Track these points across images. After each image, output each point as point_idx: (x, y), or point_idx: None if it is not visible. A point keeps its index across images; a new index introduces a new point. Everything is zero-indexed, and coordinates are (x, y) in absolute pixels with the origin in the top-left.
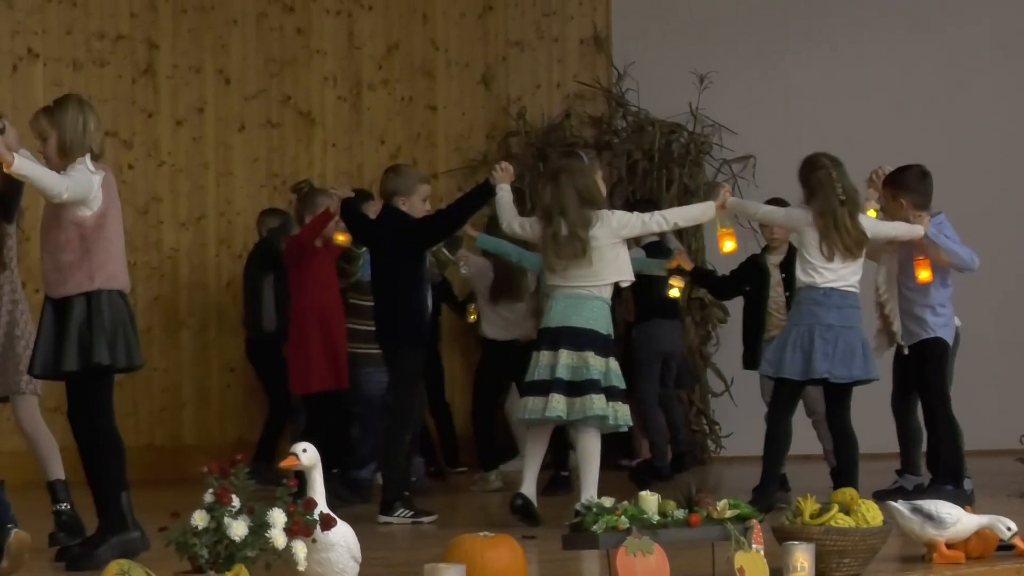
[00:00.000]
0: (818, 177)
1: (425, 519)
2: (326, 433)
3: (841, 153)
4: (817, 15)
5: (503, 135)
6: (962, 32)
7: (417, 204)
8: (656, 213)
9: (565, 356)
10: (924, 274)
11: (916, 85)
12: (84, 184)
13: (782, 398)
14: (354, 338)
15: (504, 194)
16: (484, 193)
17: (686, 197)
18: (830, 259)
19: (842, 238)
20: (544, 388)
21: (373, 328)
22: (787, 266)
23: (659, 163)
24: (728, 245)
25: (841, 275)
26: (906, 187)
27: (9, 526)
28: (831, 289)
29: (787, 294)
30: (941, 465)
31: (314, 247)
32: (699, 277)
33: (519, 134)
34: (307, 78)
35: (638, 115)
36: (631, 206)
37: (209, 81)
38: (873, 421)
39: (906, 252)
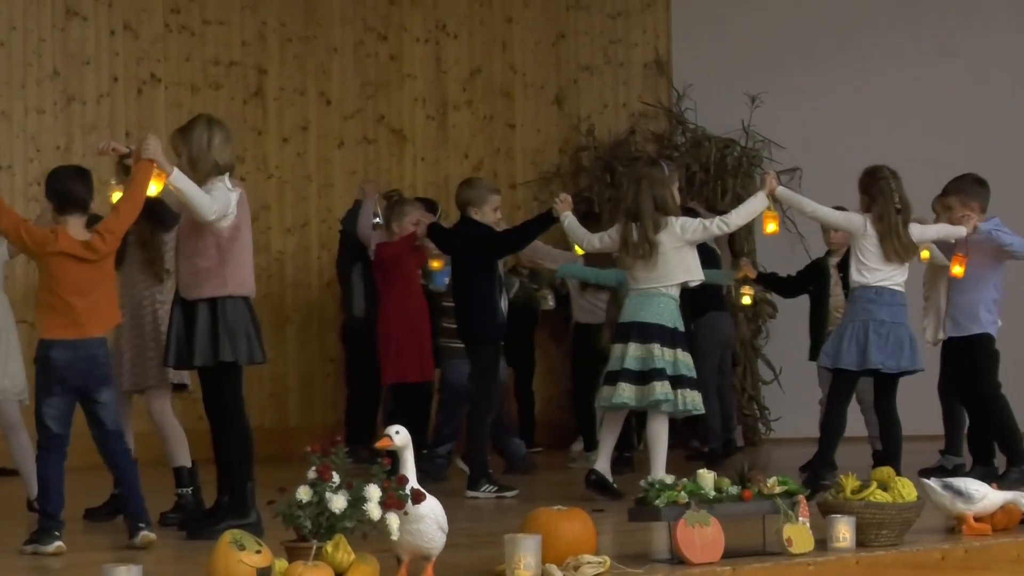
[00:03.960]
0: (880, 186)
1: (507, 494)
2: (410, 418)
3: (874, 164)
4: (857, 41)
5: (574, 150)
6: (988, 56)
7: (488, 213)
8: (717, 218)
9: (633, 348)
10: (957, 269)
11: (946, 104)
12: (224, 203)
13: (839, 389)
14: (443, 334)
15: (570, 220)
16: (546, 220)
17: (738, 205)
18: (887, 262)
19: (895, 244)
20: (614, 378)
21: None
22: (844, 267)
23: (715, 175)
24: (771, 227)
25: (890, 275)
26: (973, 194)
27: (141, 525)
28: (882, 288)
29: (845, 292)
30: (1009, 453)
31: (398, 257)
32: (766, 281)
33: (588, 149)
34: (399, 99)
35: (695, 131)
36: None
37: (312, 102)
38: (919, 405)
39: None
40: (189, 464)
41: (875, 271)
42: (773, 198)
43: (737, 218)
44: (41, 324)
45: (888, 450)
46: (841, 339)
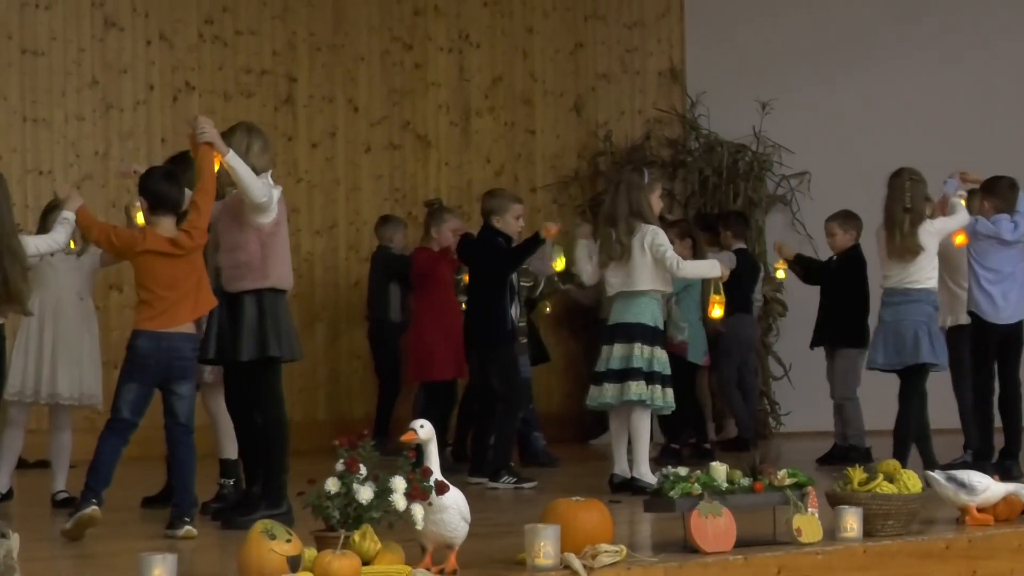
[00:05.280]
0: (893, 185)
1: (526, 485)
2: (439, 414)
3: (881, 169)
4: (864, 50)
5: (592, 155)
6: (992, 65)
7: (510, 221)
8: (676, 258)
9: (618, 348)
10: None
11: (950, 111)
12: (270, 192)
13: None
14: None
15: (583, 249)
16: (534, 243)
17: (750, 208)
18: (889, 258)
19: (895, 240)
20: (599, 378)
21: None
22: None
23: (727, 179)
24: (716, 312)
25: (898, 277)
26: (997, 194)
27: (186, 519)
28: (893, 289)
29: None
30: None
31: (433, 266)
32: (800, 260)
33: (606, 154)
34: (424, 106)
35: (709, 137)
36: (719, 217)
37: (340, 109)
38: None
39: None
40: (235, 456)
41: (886, 277)
42: (722, 285)
43: (689, 268)
44: (136, 317)
45: (894, 443)
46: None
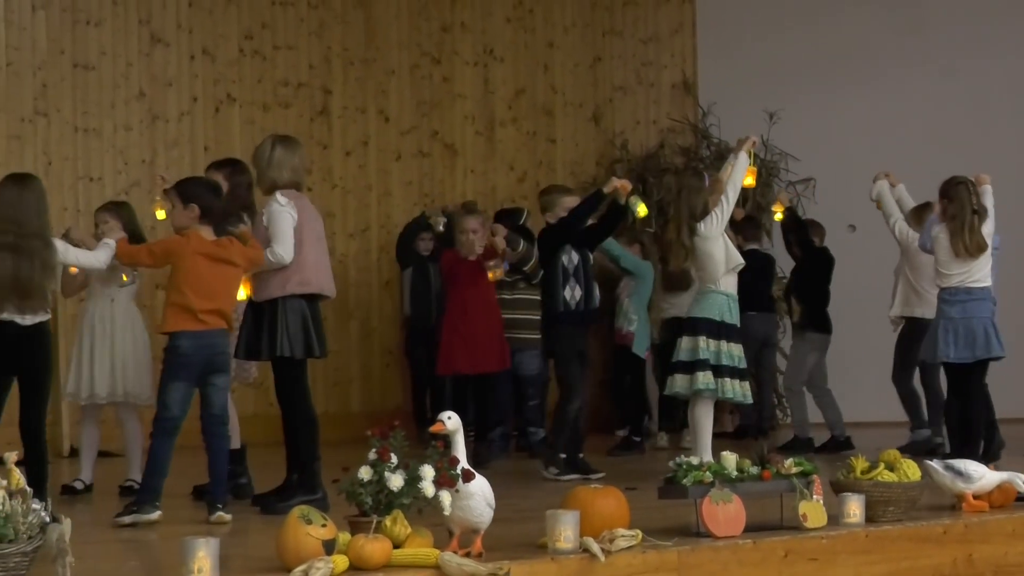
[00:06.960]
0: (957, 191)
1: (563, 477)
2: (465, 405)
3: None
4: (866, 63)
5: (609, 163)
6: (986, 77)
7: (561, 216)
8: (721, 197)
9: (686, 341)
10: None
11: (947, 121)
12: (283, 228)
13: (947, 382)
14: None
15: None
16: (596, 198)
17: (759, 212)
18: (956, 257)
19: (964, 240)
20: (672, 369)
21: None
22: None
23: None
24: (748, 180)
25: (960, 276)
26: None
27: (219, 505)
28: (956, 288)
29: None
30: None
31: (454, 264)
32: (793, 216)
33: (622, 162)
34: (451, 117)
35: (719, 145)
36: (746, 219)
37: (372, 120)
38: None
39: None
40: (238, 446)
41: (947, 276)
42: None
43: (735, 185)
44: (170, 320)
45: (970, 432)
46: (928, 336)
